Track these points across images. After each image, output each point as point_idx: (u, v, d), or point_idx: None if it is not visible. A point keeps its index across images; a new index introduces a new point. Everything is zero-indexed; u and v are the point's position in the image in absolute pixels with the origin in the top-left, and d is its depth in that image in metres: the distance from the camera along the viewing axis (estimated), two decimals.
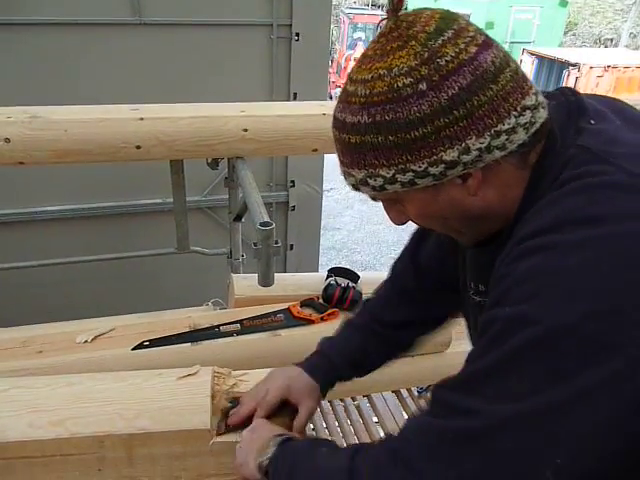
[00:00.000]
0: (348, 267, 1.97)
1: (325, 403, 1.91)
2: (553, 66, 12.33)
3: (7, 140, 1.75)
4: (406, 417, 1.92)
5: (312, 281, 1.97)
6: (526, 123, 0.66)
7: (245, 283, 1.93)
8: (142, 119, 1.88)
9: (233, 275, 2.07)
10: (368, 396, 1.98)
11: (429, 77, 0.64)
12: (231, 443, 0.99)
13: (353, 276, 1.89)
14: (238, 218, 2.29)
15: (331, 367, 1.06)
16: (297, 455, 0.81)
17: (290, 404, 1.00)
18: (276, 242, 1.69)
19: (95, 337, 1.67)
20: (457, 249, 0.93)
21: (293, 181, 3.36)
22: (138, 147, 1.88)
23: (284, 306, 1.80)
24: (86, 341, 1.66)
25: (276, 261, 1.75)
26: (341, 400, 1.94)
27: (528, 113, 0.66)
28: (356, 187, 0.74)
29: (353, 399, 1.97)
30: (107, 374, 1.13)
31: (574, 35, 17.46)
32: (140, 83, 2.79)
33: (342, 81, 12.74)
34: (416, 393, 2.02)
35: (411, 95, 0.64)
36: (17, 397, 1.01)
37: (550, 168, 0.68)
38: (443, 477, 0.61)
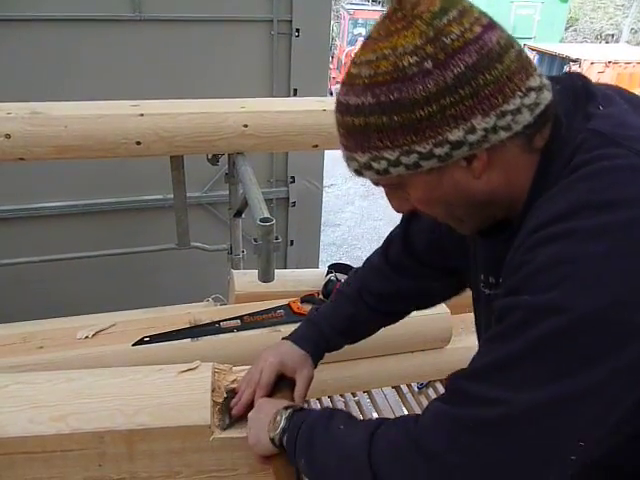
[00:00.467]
0: (348, 263, 1.97)
1: (325, 399, 1.92)
2: (554, 62, 12.28)
3: (7, 136, 1.75)
4: (406, 412, 1.92)
5: (312, 277, 1.97)
6: (531, 104, 0.65)
7: (245, 279, 1.93)
8: (142, 115, 1.88)
9: (233, 271, 2.07)
10: (368, 392, 1.99)
11: (435, 55, 0.63)
12: (231, 439, 1.00)
13: None
14: (238, 214, 2.29)
15: (321, 336, 1.06)
16: (313, 427, 0.81)
17: (286, 378, 1.01)
18: (276, 238, 1.69)
19: (96, 333, 1.68)
20: (459, 236, 0.91)
21: (293, 177, 3.36)
22: (138, 143, 1.88)
23: (284, 302, 1.80)
24: (87, 337, 1.66)
25: (276, 257, 1.75)
26: (341, 396, 1.95)
27: (533, 94, 0.66)
28: (359, 172, 0.73)
29: (353, 395, 1.97)
30: (107, 370, 1.13)
31: (575, 31, 17.41)
32: (140, 79, 2.79)
33: (343, 77, 12.69)
34: (416, 389, 2.03)
35: (416, 74, 0.63)
36: (18, 393, 1.02)
37: (559, 153, 0.67)
38: (467, 466, 0.62)
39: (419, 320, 1.83)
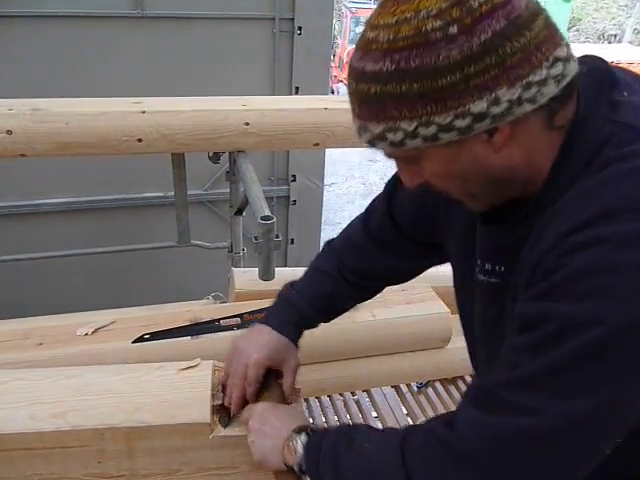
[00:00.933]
0: None
1: (324, 398, 1.92)
2: None
3: (9, 132, 1.75)
4: (405, 412, 1.92)
5: None
6: (557, 75, 0.62)
7: (246, 277, 1.93)
8: (144, 112, 1.87)
9: (234, 269, 2.07)
10: (367, 391, 1.99)
11: (460, 20, 0.59)
12: (231, 437, 1.00)
13: None
14: (239, 212, 2.29)
15: (301, 318, 1.04)
16: (335, 449, 0.78)
17: (272, 370, 1.01)
18: (277, 236, 1.68)
19: (96, 330, 1.68)
20: (442, 211, 0.90)
21: (294, 175, 3.36)
22: (140, 140, 1.87)
23: None
24: (87, 334, 1.66)
25: (277, 255, 1.75)
26: (340, 395, 1.95)
27: (560, 65, 0.62)
28: (372, 143, 0.68)
29: (352, 394, 1.97)
30: (107, 367, 1.13)
31: (577, 31, 17.38)
32: (142, 76, 2.79)
33: (344, 76, 12.67)
34: (415, 388, 2.03)
35: (440, 39, 0.59)
36: (18, 389, 1.02)
37: (585, 139, 0.65)
38: (506, 473, 0.62)
39: (419, 320, 1.83)
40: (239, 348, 1.01)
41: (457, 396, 1.98)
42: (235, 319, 1.72)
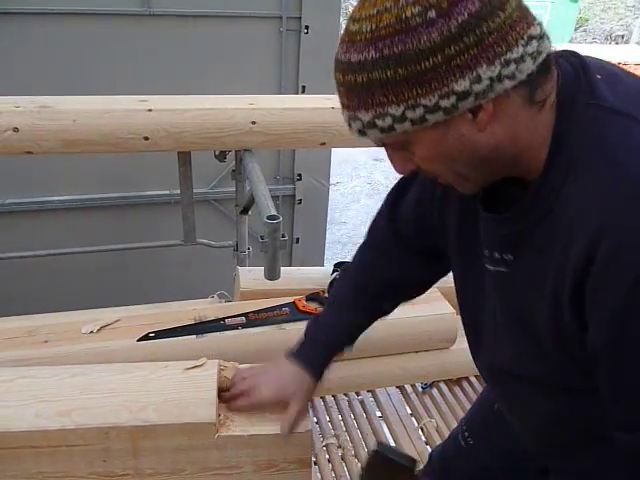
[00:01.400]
0: None
1: (329, 397, 1.92)
2: None
3: (16, 129, 1.75)
4: (409, 412, 1.92)
5: (318, 275, 1.97)
6: (533, 52, 0.65)
7: (251, 276, 1.93)
8: (150, 110, 1.88)
9: (239, 268, 2.07)
10: (372, 391, 1.98)
11: (438, 4, 0.62)
12: (236, 437, 0.99)
13: None
14: (245, 211, 2.28)
15: (327, 355, 1.06)
16: None
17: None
18: (283, 236, 1.68)
19: (101, 328, 1.68)
20: (445, 210, 0.91)
21: (300, 174, 3.34)
22: (146, 138, 1.87)
23: (290, 300, 1.80)
24: (92, 331, 1.66)
25: (282, 254, 1.75)
26: (345, 394, 1.95)
27: (534, 42, 0.65)
28: (362, 132, 0.71)
29: (357, 394, 1.97)
30: (113, 366, 1.13)
31: (585, 31, 17.30)
32: (148, 74, 2.78)
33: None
34: (420, 389, 2.03)
35: (420, 24, 0.62)
36: (24, 387, 1.02)
37: (572, 118, 0.68)
38: None
39: (424, 320, 1.82)
40: (263, 370, 1.06)
41: (462, 397, 1.97)
42: (240, 318, 1.73)
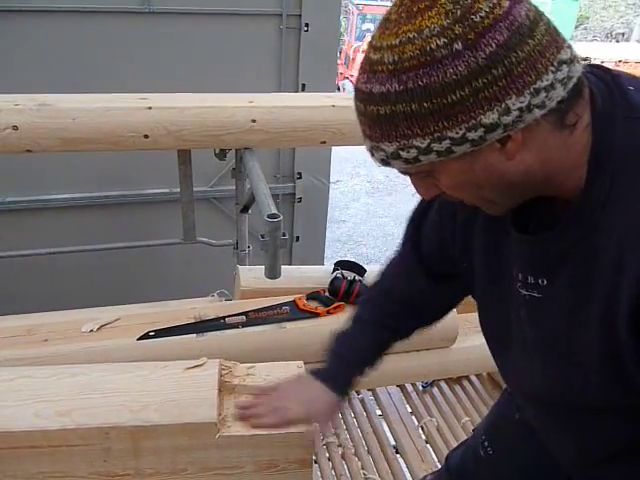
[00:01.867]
0: (354, 260, 1.96)
1: None
2: None
3: (15, 127, 1.75)
4: (410, 411, 1.92)
5: (318, 274, 1.96)
6: (564, 78, 0.63)
7: (251, 275, 1.93)
8: (150, 108, 1.87)
9: (239, 267, 2.07)
10: (372, 389, 1.98)
11: (464, 36, 0.60)
12: (237, 437, 0.99)
13: (359, 270, 1.88)
14: (245, 209, 2.28)
15: (353, 376, 1.06)
16: None
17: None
18: (283, 234, 1.68)
19: (101, 326, 1.68)
20: (469, 229, 0.88)
21: (300, 173, 3.34)
22: (146, 136, 1.87)
23: (290, 298, 1.80)
24: (92, 330, 1.66)
25: (282, 253, 1.74)
26: None
27: (565, 67, 0.63)
28: (386, 162, 0.69)
29: (357, 392, 1.97)
30: (113, 365, 1.13)
31: (585, 29, 17.28)
32: (148, 72, 2.78)
33: (350, 73, 12.63)
34: (420, 388, 2.02)
35: (446, 56, 0.60)
36: (24, 387, 1.02)
37: (612, 134, 0.66)
38: None
39: None
40: (290, 386, 1.05)
41: (462, 396, 1.97)
42: (240, 317, 1.72)
